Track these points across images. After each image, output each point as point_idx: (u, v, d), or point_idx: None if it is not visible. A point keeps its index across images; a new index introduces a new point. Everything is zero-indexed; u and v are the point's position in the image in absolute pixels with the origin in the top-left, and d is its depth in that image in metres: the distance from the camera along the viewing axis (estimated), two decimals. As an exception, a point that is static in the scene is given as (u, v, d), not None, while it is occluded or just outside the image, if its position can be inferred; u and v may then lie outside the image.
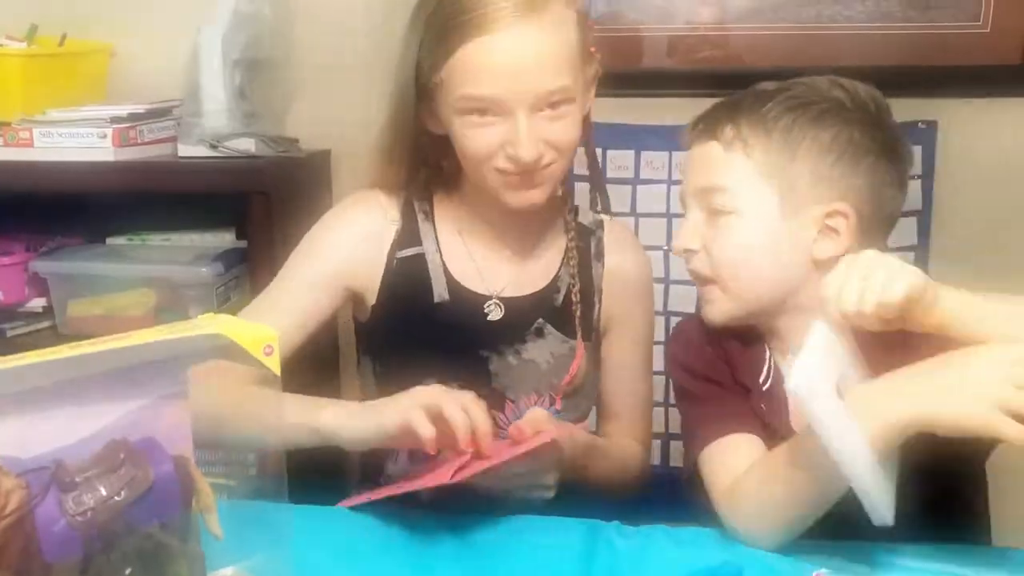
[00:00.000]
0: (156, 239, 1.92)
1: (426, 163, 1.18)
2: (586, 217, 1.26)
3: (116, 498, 0.68)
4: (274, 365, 0.79)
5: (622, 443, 1.26)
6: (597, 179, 1.29)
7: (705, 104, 1.78)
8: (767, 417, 1.05)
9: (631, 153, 1.83)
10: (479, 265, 1.19)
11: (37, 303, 1.88)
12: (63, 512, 0.66)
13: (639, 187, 1.84)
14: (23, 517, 0.64)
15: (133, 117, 1.76)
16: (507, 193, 1.12)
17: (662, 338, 1.83)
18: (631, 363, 1.27)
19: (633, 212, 1.85)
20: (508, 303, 1.19)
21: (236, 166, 1.72)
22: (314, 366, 1.40)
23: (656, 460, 1.88)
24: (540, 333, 1.18)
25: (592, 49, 1.14)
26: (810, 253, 1.01)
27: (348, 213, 1.21)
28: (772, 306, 1.05)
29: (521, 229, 1.20)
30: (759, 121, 1.03)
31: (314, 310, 1.18)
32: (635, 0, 1.80)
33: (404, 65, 1.12)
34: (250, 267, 1.77)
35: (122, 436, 0.73)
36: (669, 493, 1.13)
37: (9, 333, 1.82)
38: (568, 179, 1.21)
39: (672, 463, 1.89)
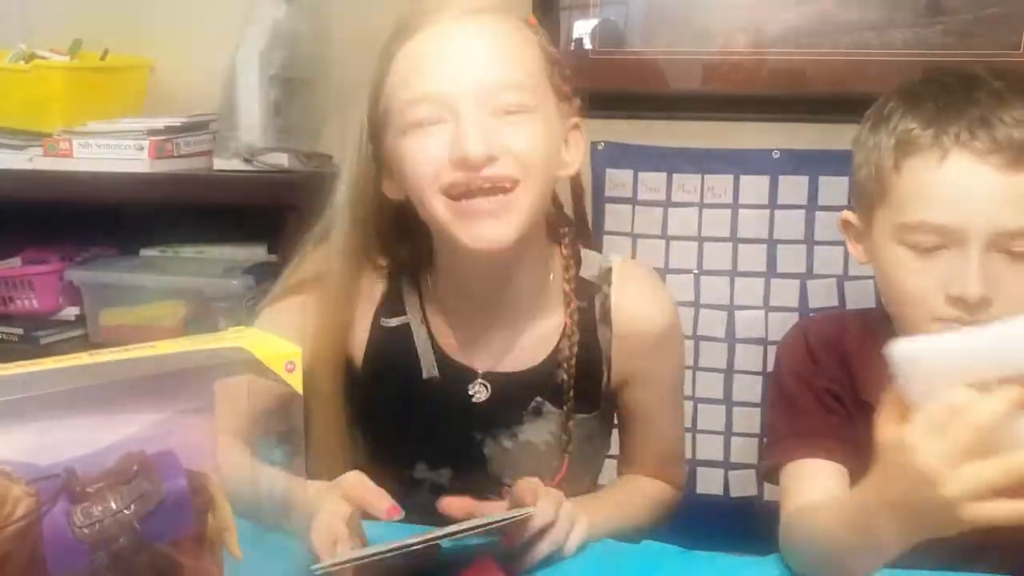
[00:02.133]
0: (189, 251, 1.94)
1: (400, 236, 1.06)
2: (590, 269, 1.09)
3: (126, 511, 0.67)
4: (296, 382, 0.79)
5: (639, 489, 1.16)
6: (582, 219, 1.16)
7: (743, 128, 1.80)
8: None
9: (663, 176, 1.82)
10: (465, 342, 1.07)
11: (70, 311, 1.91)
12: (70, 523, 0.66)
13: (671, 210, 1.83)
14: (30, 526, 0.64)
15: (170, 130, 1.78)
16: (462, 226, 0.94)
17: (690, 363, 1.84)
18: (657, 415, 1.14)
19: (664, 235, 1.83)
20: (499, 380, 1.07)
21: (270, 180, 1.74)
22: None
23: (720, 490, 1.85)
24: (538, 412, 1.07)
25: (565, 90, 1.02)
26: None
27: (330, 280, 1.07)
28: None
29: (512, 296, 1.05)
30: None
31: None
32: (670, 23, 1.80)
33: (361, 131, 1.02)
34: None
35: (140, 448, 0.73)
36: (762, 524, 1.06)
37: (43, 340, 1.84)
38: (572, 242, 1.09)
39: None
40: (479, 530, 0.90)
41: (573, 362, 1.06)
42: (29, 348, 1.82)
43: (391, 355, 1.08)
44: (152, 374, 0.75)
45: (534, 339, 1.08)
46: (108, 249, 1.99)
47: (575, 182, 1.12)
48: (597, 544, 0.99)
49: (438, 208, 0.95)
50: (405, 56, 0.96)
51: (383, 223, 1.06)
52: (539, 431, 1.08)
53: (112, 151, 1.75)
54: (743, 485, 1.85)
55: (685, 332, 1.82)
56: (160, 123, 1.78)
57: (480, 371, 1.08)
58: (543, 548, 0.92)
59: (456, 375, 1.08)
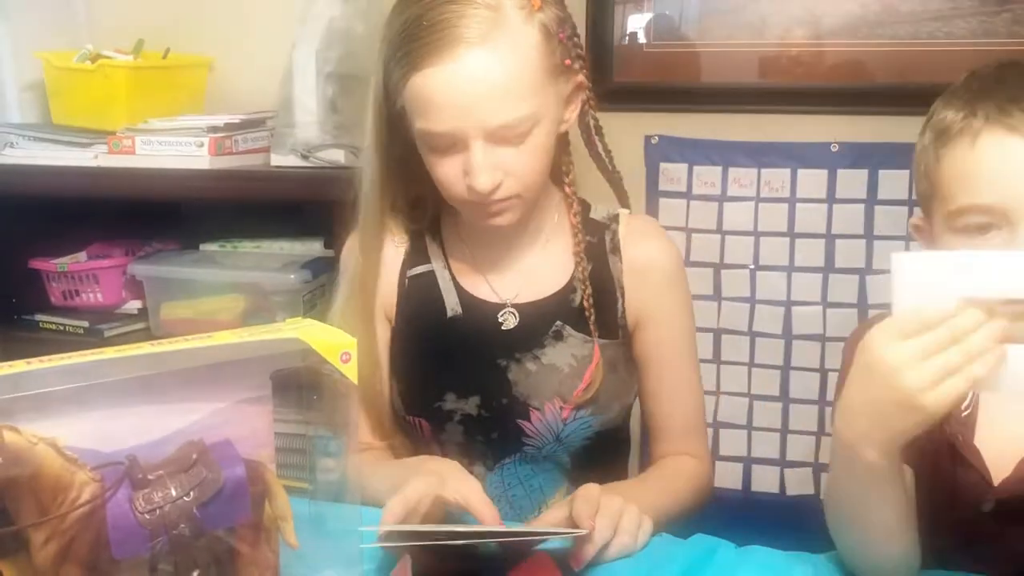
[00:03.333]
0: (247, 246, 1.97)
1: (422, 179, 1.14)
2: (599, 213, 1.22)
3: (185, 498, 0.69)
4: (351, 373, 0.80)
5: (679, 470, 1.20)
6: (611, 176, 1.25)
7: (800, 121, 1.78)
8: (961, 447, 0.97)
9: (718, 169, 1.80)
10: (489, 275, 1.19)
11: (133, 305, 1.96)
12: (133, 509, 0.67)
13: (726, 204, 1.81)
14: (94, 511, 0.66)
15: (229, 127, 1.81)
16: (474, 219, 1.12)
17: (746, 359, 1.82)
18: (670, 358, 1.21)
19: (719, 230, 1.81)
20: (523, 309, 1.17)
21: (326, 176, 1.76)
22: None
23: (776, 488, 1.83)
24: (559, 336, 1.16)
25: (567, 62, 1.09)
26: None
27: (358, 248, 1.20)
28: None
29: (527, 235, 1.18)
30: None
31: (383, 344, 1.20)
32: (725, 16, 1.78)
33: (376, 85, 1.10)
34: (336, 275, 1.80)
35: (199, 437, 0.75)
36: (784, 520, 1.07)
37: (107, 333, 1.89)
38: (574, 179, 1.18)
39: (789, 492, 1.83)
40: (532, 537, 0.90)
41: (588, 284, 1.16)
42: (94, 340, 1.87)
43: (418, 299, 1.19)
44: (210, 364, 0.76)
45: (550, 268, 1.19)
46: (170, 244, 2.04)
47: (595, 146, 1.20)
48: (650, 539, 0.99)
49: (456, 203, 1.12)
50: (417, 86, 1.03)
51: (404, 188, 1.18)
52: (561, 353, 1.15)
53: (173, 148, 1.79)
54: (800, 483, 1.82)
55: (741, 328, 1.82)
56: (219, 120, 1.81)
57: (507, 301, 1.18)
58: (612, 554, 0.94)
59: (479, 309, 1.18)
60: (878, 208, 1.74)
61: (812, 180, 1.77)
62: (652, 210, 1.82)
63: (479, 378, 1.15)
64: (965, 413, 0.98)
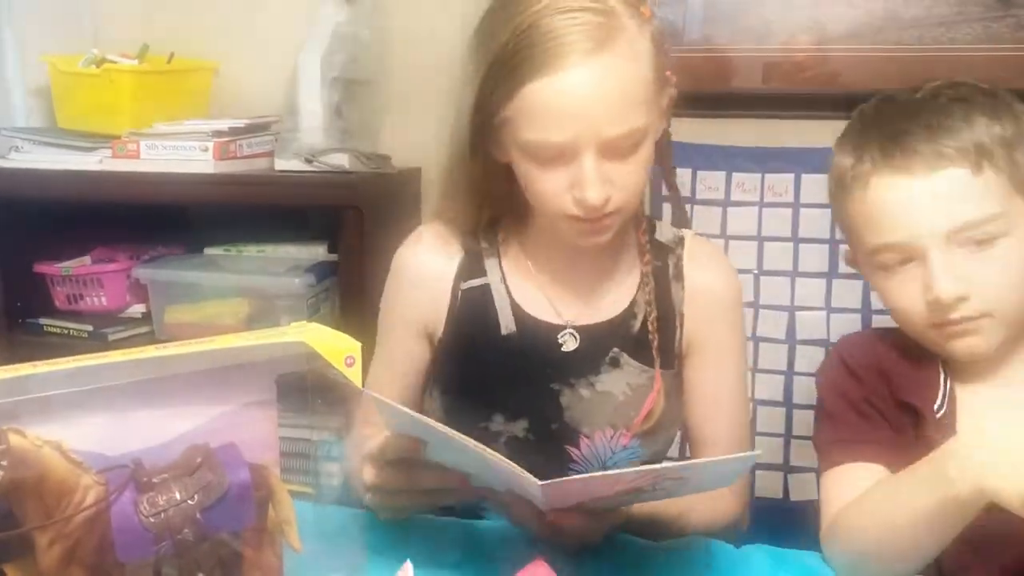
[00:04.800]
0: (251, 250, 1.97)
1: (489, 193, 1.12)
2: (664, 234, 1.18)
3: (189, 502, 0.69)
4: (355, 377, 0.80)
5: (711, 502, 1.13)
6: (676, 198, 1.25)
7: (804, 126, 1.78)
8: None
9: (722, 175, 1.80)
10: (548, 294, 1.14)
11: (137, 309, 1.96)
12: (137, 512, 0.67)
13: (730, 209, 1.81)
14: (99, 514, 0.66)
15: (234, 131, 1.82)
16: (574, 236, 1.07)
17: (749, 364, 1.81)
18: (721, 390, 1.17)
19: (723, 234, 1.81)
20: (583, 331, 1.12)
21: (330, 181, 1.76)
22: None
23: (779, 494, 1.83)
24: (616, 363, 1.12)
25: (668, 72, 1.07)
26: None
27: (409, 254, 1.18)
28: None
29: (593, 255, 1.13)
30: (986, 130, 0.95)
31: (414, 360, 1.17)
32: (729, 21, 1.78)
33: (465, 95, 1.06)
34: (340, 280, 1.80)
35: (204, 441, 0.75)
36: (788, 525, 1.07)
37: (111, 337, 1.89)
38: (646, 194, 1.18)
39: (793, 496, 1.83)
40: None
41: (654, 308, 1.12)
42: (98, 345, 1.87)
43: (471, 314, 1.14)
44: (215, 368, 0.76)
45: (612, 292, 1.15)
46: (174, 248, 2.04)
47: (659, 145, 1.13)
48: (649, 542, 1.00)
49: (557, 219, 1.06)
50: (530, 96, 0.99)
51: (478, 204, 1.15)
52: (617, 381, 1.12)
53: (177, 152, 1.79)
54: (804, 489, 1.82)
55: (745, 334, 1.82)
56: (224, 125, 1.82)
57: (568, 323, 1.13)
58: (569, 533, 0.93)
59: (534, 329, 1.13)
60: (882, 213, 1.74)
61: (816, 185, 1.76)
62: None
63: (530, 401, 1.11)
64: (940, 414, 0.99)
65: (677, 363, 1.15)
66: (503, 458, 0.85)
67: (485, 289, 1.14)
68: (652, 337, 1.12)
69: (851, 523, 0.94)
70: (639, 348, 1.12)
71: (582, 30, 0.97)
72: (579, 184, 1.00)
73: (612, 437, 1.11)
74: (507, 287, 1.14)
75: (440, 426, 0.88)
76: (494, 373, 1.12)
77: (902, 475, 0.91)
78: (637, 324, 1.13)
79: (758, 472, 1.84)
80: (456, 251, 1.16)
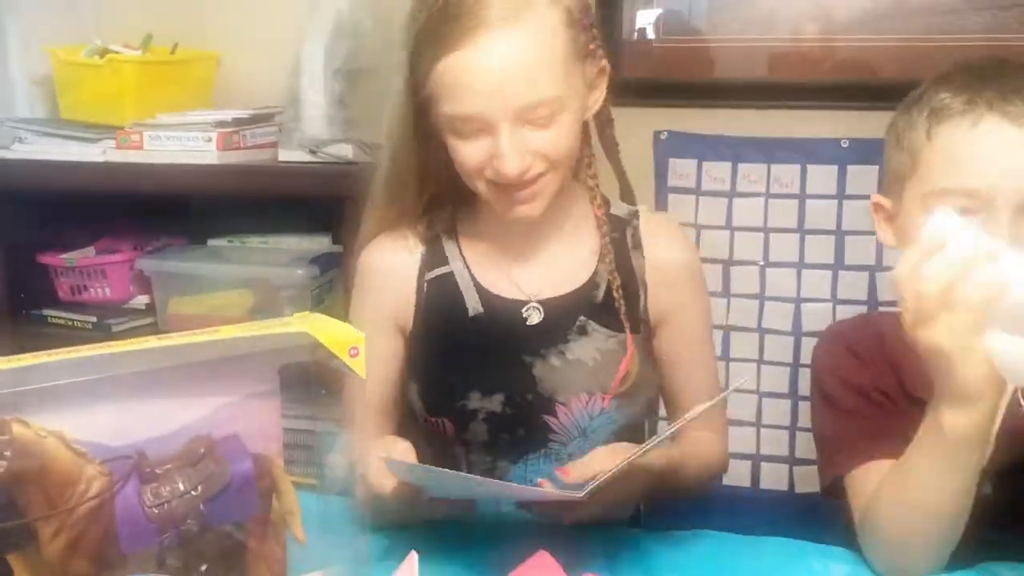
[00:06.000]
0: (255, 241, 1.97)
1: (435, 175, 1.15)
2: (620, 209, 1.22)
3: (193, 493, 0.68)
4: (359, 368, 0.80)
5: (698, 439, 1.21)
6: (619, 171, 1.25)
7: (810, 117, 1.77)
8: None
9: (728, 165, 1.79)
10: (510, 271, 1.18)
11: (140, 300, 1.96)
12: (141, 503, 0.67)
13: (735, 200, 1.80)
14: (103, 504, 0.66)
15: (237, 122, 1.81)
16: (501, 207, 1.10)
17: (755, 356, 1.81)
18: (692, 357, 1.22)
19: (729, 226, 1.81)
20: (547, 304, 1.16)
21: (334, 171, 1.76)
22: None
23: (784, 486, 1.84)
24: (583, 331, 1.15)
25: (591, 47, 1.10)
26: None
27: (372, 257, 1.20)
28: None
29: (548, 229, 1.17)
30: None
31: (389, 356, 1.19)
32: (735, 11, 1.77)
33: (399, 78, 1.10)
34: (344, 270, 1.80)
35: (207, 432, 0.74)
36: (793, 518, 1.08)
37: (115, 328, 1.89)
38: (596, 172, 1.18)
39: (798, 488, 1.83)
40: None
41: (616, 276, 1.15)
42: (101, 336, 1.87)
43: (438, 302, 1.18)
44: (218, 358, 0.76)
45: (572, 264, 1.18)
46: (178, 239, 2.04)
47: (608, 138, 1.19)
48: (652, 536, 1.00)
49: (480, 188, 1.10)
50: (445, 70, 1.03)
51: (421, 186, 1.17)
52: (586, 348, 1.15)
53: (181, 143, 1.79)
54: (809, 481, 1.81)
55: (750, 325, 1.82)
56: (227, 115, 1.81)
57: (531, 297, 1.17)
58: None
59: (502, 307, 1.17)
60: (888, 204, 1.73)
61: (822, 176, 1.76)
62: (661, 206, 1.81)
63: (503, 375, 1.14)
64: None
65: (644, 328, 1.19)
66: (526, 487, 0.87)
67: (449, 276, 1.18)
68: (618, 304, 1.15)
69: (878, 520, 0.94)
70: (605, 315, 1.16)
71: (493, 4, 1.01)
72: (496, 155, 1.04)
73: (588, 403, 1.14)
74: (469, 270, 1.18)
75: (459, 476, 0.91)
76: (466, 354, 1.16)
77: (907, 455, 0.91)
78: (601, 293, 1.17)
79: (763, 465, 1.84)
80: (415, 244, 1.19)
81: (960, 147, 0.95)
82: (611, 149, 1.22)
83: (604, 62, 1.12)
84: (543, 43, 1.03)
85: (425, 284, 1.18)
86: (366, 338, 1.15)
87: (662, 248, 1.19)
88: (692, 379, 1.22)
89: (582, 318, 1.15)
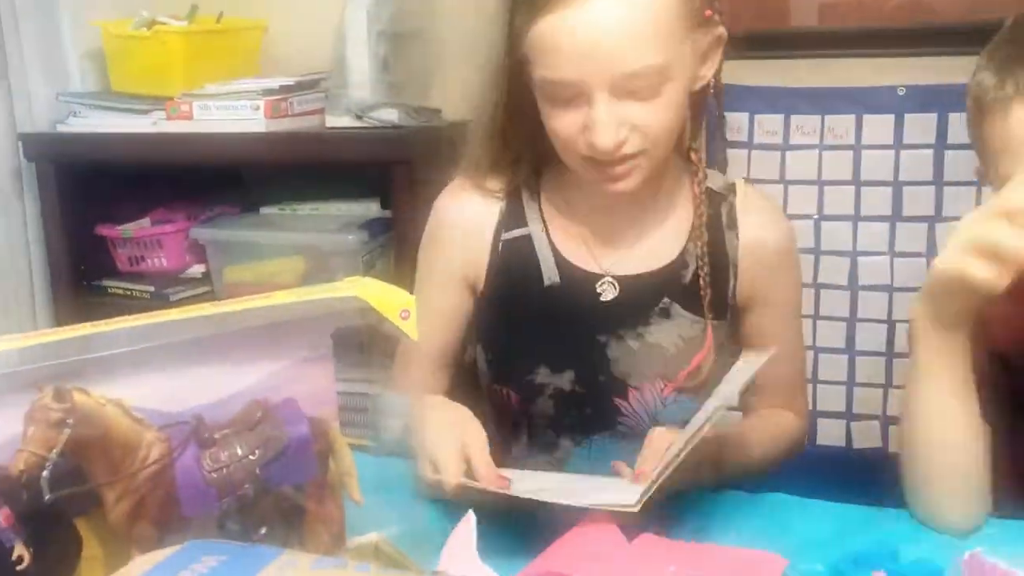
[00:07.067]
0: (305, 208, 1.99)
1: (525, 137, 1.08)
2: (716, 181, 1.13)
3: (251, 457, 0.69)
4: (410, 330, 0.80)
5: (771, 418, 1.16)
6: (722, 147, 1.19)
7: (861, 65, 1.72)
8: None
9: (780, 117, 1.76)
10: (591, 243, 1.11)
11: (197, 269, 2.00)
12: (200, 468, 0.68)
13: (788, 153, 1.76)
14: (163, 469, 0.67)
15: (284, 89, 1.82)
16: (594, 176, 1.03)
17: (810, 312, 1.79)
18: (780, 340, 1.12)
19: (782, 179, 1.77)
20: (625, 282, 1.09)
21: (380, 136, 1.76)
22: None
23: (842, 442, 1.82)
24: (666, 314, 1.09)
25: (708, 13, 1.02)
26: None
27: (449, 204, 1.15)
28: None
29: (640, 203, 1.09)
30: None
31: (453, 309, 1.15)
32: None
33: (494, 35, 1.04)
34: (394, 235, 1.81)
35: (263, 396, 0.75)
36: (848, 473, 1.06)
37: (172, 298, 1.92)
38: (700, 141, 1.12)
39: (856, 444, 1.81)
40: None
41: (706, 260, 1.09)
42: (160, 305, 1.89)
43: (513, 265, 1.12)
44: (272, 324, 0.77)
45: (661, 240, 1.11)
46: (231, 208, 2.06)
47: (710, 91, 1.09)
48: (719, 496, 0.98)
49: (574, 162, 1.04)
50: (542, 33, 0.97)
51: (507, 137, 1.10)
52: (667, 333, 1.09)
53: (229, 112, 1.80)
54: (867, 437, 1.79)
55: (806, 280, 1.78)
56: (274, 83, 1.82)
57: (607, 271, 1.10)
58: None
59: (580, 279, 1.10)
60: (948, 153, 1.68)
61: (878, 125, 1.72)
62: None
63: (575, 353, 1.09)
64: None
65: (730, 314, 1.13)
66: (577, 503, 0.85)
67: (526, 239, 1.12)
68: (704, 292, 1.09)
69: (903, 469, 0.92)
70: (690, 298, 1.09)
71: None
72: (591, 126, 0.97)
73: (662, 389, 1.09)
74: (548, 236, 1.11)
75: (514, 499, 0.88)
76: (538, 325, 1.11)
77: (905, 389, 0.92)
78: (688, 275, 1.10)
79: (820, 421, 1.82)
80: (497, 199, 1.13)
81: (998, 139, 0.93)
82: (718, 125, 1.15)
83: (721, 29, 1.04)
84: (649, 5, 0.96)
85: (501, 244, 1.12)
86: (433, 289, 1.16)
87: (759, 228, 1.12)
88: (776, 366, 1.11)
89: (666, 300, 1.09)
